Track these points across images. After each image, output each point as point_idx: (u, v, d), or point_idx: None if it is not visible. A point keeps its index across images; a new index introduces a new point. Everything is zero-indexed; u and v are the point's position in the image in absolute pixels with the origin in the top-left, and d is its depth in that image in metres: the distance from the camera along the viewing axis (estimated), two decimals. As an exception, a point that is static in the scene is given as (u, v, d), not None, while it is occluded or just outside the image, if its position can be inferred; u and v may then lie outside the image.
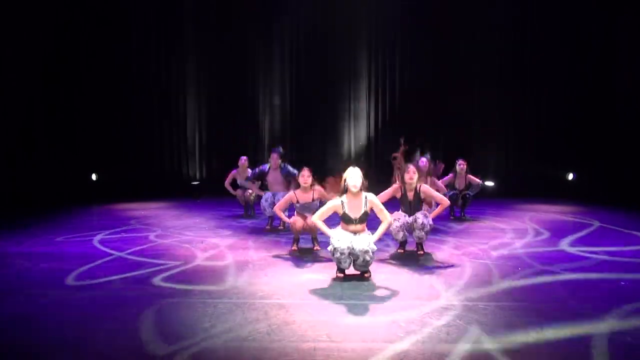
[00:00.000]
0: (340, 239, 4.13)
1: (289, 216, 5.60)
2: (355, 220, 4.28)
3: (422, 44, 11.48)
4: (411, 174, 5.16)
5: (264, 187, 7.45)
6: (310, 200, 5.51)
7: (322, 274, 4.38)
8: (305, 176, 5.49)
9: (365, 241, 4.13)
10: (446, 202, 5.31)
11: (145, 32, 11.35)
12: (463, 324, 3.13)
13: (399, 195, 5.30)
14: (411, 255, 5.14)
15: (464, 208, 7.71)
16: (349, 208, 4.28)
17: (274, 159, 7.06)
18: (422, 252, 5.19)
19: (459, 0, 11.33)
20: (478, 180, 7.72)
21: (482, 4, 11.29)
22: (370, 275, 4.22)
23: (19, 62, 9.67)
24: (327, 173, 5.30)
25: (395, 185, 5.29)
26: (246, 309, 3.44)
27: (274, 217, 6.85)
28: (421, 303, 3.55)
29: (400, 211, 5.31)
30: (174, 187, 11.42)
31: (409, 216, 5.21)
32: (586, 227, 6.76)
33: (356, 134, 11.79)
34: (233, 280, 4.21)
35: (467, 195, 7.62)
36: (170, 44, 11.57)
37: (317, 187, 5.45)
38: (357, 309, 3.45)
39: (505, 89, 11.43)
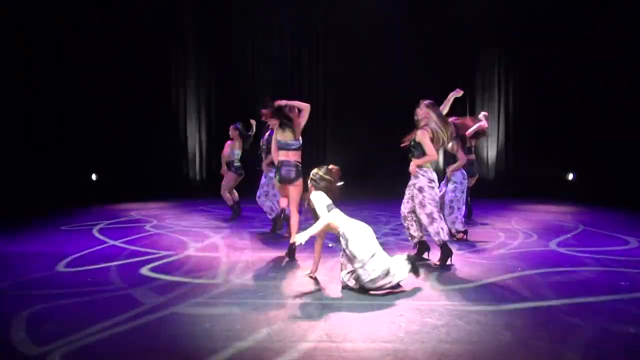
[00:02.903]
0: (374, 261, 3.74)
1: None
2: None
3: (421, 42, 11.51)
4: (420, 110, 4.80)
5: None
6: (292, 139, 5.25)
7: (322, 274, 4.37)
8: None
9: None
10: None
11: (144, 30, 11.33)
12: (463, 324, 3.14)
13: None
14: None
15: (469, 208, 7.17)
16: None
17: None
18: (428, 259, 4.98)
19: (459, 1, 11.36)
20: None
21: (482, 6, 11.33)
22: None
23: (17, 62, 9.67)
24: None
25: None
26: (246, 309, 3.44)
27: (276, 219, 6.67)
28: (421, 303, 3.56)
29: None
30: (174, 188, 11.43)
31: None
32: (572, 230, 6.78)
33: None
34: (233, 280, 4.21)
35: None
36: (170, 42, 11.59)
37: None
38: (358, 309, 3.45)
39: (504, 89, 11.44)
